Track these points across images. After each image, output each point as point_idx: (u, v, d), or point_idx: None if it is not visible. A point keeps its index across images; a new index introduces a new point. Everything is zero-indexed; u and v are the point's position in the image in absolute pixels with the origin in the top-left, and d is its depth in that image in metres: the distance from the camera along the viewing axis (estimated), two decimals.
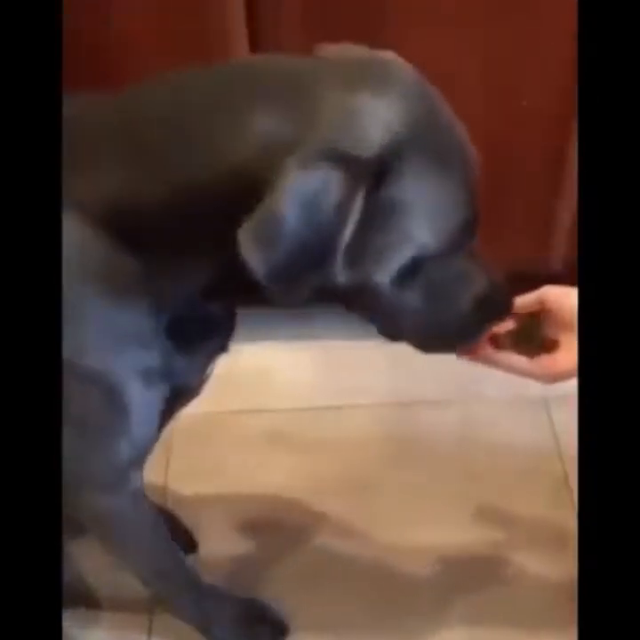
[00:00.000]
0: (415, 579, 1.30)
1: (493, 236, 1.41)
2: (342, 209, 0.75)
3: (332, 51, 0.84)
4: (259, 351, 1.59)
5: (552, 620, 1.22)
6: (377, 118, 0.76)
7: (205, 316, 0.89)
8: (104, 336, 0.86)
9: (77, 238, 0.79)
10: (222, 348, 0.98)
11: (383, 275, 0.82)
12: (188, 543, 1.32)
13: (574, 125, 1.31)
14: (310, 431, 1.52)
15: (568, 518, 1.34)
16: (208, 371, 0.99)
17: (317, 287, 0.79)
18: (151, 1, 1.28)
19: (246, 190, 0.75)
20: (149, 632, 1.26)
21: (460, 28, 1.30)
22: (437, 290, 0.86)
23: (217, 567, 1.31)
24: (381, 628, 1.25)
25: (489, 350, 0.96)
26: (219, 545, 1.35)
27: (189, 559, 1.25)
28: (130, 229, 0.80)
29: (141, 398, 0.90)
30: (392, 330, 0.91)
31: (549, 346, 0.95)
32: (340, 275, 0.79)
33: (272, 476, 1.44)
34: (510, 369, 0.97)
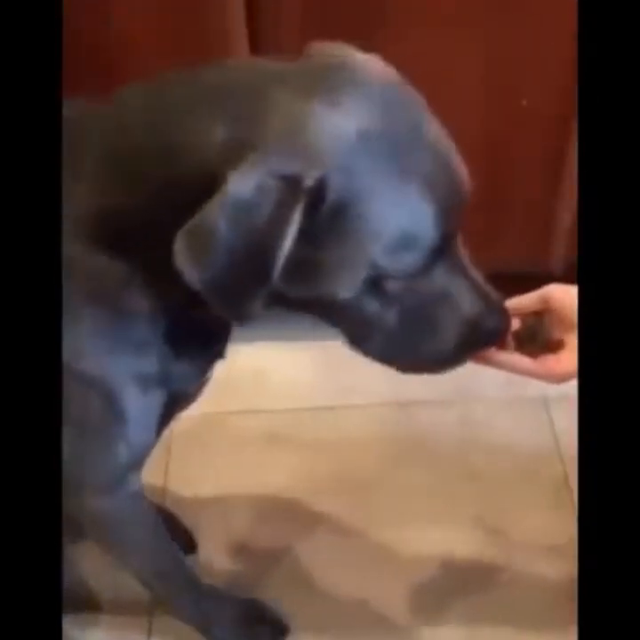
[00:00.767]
0: (415, 579, 1.30)
1: (493, 236, 1.42)
2: (277, 222, 0.72)
3: (317, 49, 0.81)
4: (257, 351, 1.58)
5: (552, 620, 1.22)
6: (326, 128, 0.74)
7: (202, 322, 0.89)
8: (99, 342, 0.86)
9: (68, 245, 0.78)
10: (219, 353, 0.97)
11: (345, 290, 0.79)
12: (187, 544, 1.32)
13: (574, 125, 1.31)
14: (309, 431, 1.52)
15: (568, 518, 1.34)
16: (206, 376, 0.98)
17: (273, 300, 0.77)
18: (151, 1, 1.28)
19: (211, 197, 0.74)
20: (149, 633, 1.26)
21: (460, 27, 1.30)
22: (414, 310, 0.82)
23: (216, 567, 1.31)
24: (381, 628, 1.25)
25: (492, 351, 0.93)
26: (218, 545, 1.35)
27: (189, 560, 1.25)
28: (116, 235, 0.80)
29: (138, 404, 0.90)
30: (362, 344, 0.87)
31: (554, 346, 0.94)
32: (289, 289, 0.78)
33: (271, 476, 1.44)
34: (514, 370, 0.95)
